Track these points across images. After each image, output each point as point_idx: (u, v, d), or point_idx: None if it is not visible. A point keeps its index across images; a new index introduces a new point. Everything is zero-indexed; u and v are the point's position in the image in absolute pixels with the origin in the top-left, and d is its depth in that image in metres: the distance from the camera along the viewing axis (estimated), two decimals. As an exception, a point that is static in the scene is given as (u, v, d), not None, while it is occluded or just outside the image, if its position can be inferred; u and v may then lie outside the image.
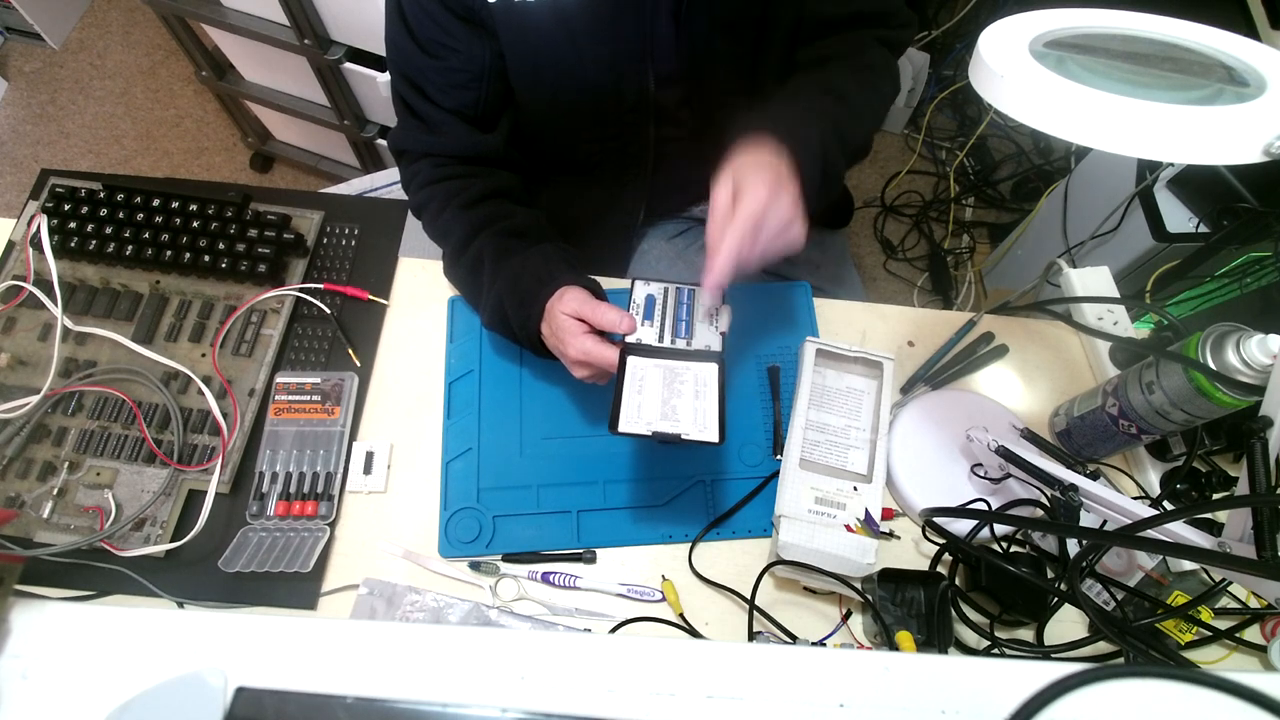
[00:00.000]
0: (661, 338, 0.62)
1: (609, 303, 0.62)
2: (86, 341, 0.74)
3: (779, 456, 0.71)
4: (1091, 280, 0.83)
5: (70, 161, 1.92)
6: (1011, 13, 0.45)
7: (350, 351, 0.76)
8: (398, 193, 1.24)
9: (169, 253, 0.76)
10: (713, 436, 0.55)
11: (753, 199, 0.54)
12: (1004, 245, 1.73)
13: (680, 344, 0.62)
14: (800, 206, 0.57)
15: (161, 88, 2.04)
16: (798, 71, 0.73)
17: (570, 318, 0.60)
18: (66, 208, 0.78)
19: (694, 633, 0.65)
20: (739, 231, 0.54)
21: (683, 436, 0.55)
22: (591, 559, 0.68)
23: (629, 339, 0.61)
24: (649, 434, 0.55)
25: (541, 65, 0.71)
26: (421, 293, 0.81)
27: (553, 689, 0.33)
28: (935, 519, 0.64)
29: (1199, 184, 1.18)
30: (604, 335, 0.61)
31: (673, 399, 0.57)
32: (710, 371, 0.60)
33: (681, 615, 0.66)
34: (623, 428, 0.55)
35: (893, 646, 0.60)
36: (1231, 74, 0.42)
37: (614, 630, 0.65)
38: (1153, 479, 0.72)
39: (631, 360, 0.60)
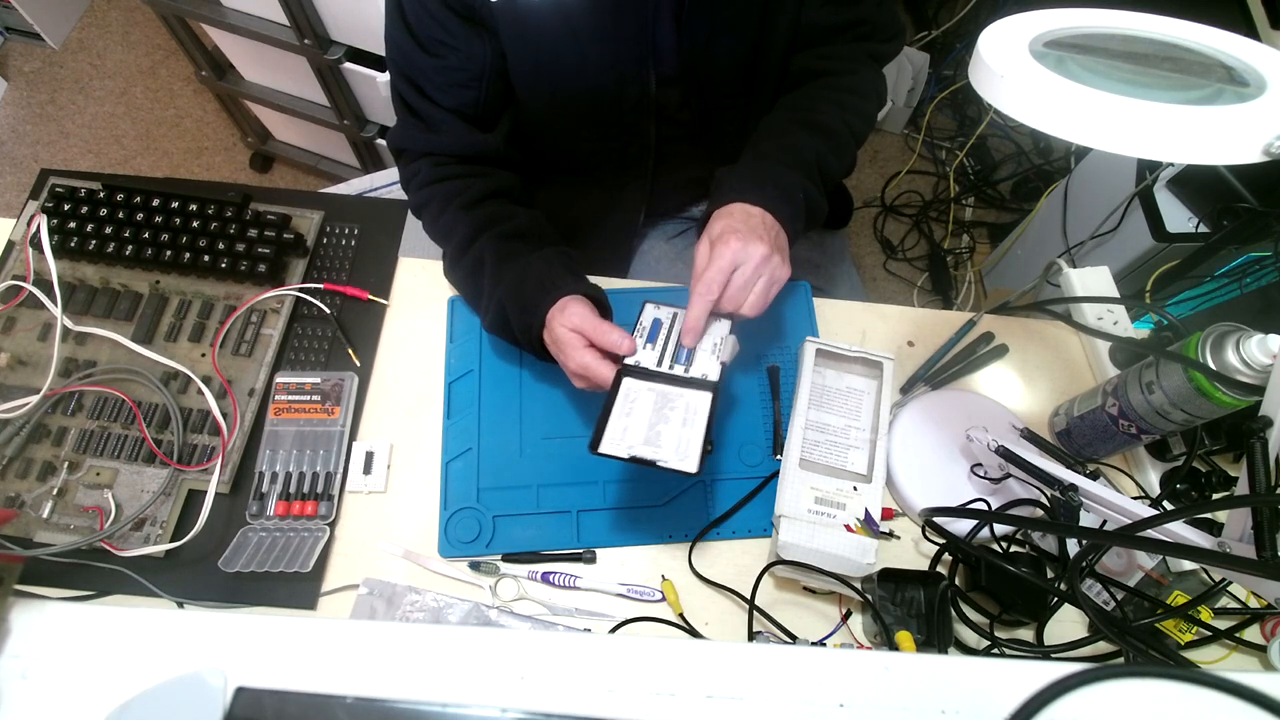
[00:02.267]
0: (661, 361, 0.62)
1: (611, 321, 0.61)
2: (86, 341, 0.74)
3: (779, 456, 0.71)
4: (1091, 280, 0.83)
5: (70, 161, 1.92)
6: (1011, 13, 0.45)
7: (350, 351, 0.76)
8: (398, 193, 1.23)
9: (169, 253, 0.76)
10: (691, 467, 0.54)
11: (719, 255, 0.59)
12: (1004, 245, 1.73)
13: (678, 369, 0.62)
14: (781, 245, 0.61)
15: (161, 88, 2.04)
16: (785, 96, 0.75)
17: (571, 332, 0.60)
18: (66, 208, 0.78)
19: (694, 633, 0.65)
20: (705, 287, 0.59)
21: (659, 464, 0.55)
22: (591, 559, 0.68)
23: (628, 360, 0.61)
24: (626, 458, 0.55)
25: (542, 65, 0.72)
26: (421, 293, 0.81)
27: (553, 689, 0.33)
28: (935, 519, 0.64)
29: (1199, 184, 1.18)
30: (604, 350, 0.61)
31: (659, 424, 0.57)
32: (702, 400, 0.59)
33: (681, 615, 0.66)
34: (603, 449, 0.55)
35: (893, 646, 0.60)
36: (1231, 74, 0.42)
37: (614, 630, 0.65)
38: (1153, 479, 0.72)
39: (627, 381, 0.60)
